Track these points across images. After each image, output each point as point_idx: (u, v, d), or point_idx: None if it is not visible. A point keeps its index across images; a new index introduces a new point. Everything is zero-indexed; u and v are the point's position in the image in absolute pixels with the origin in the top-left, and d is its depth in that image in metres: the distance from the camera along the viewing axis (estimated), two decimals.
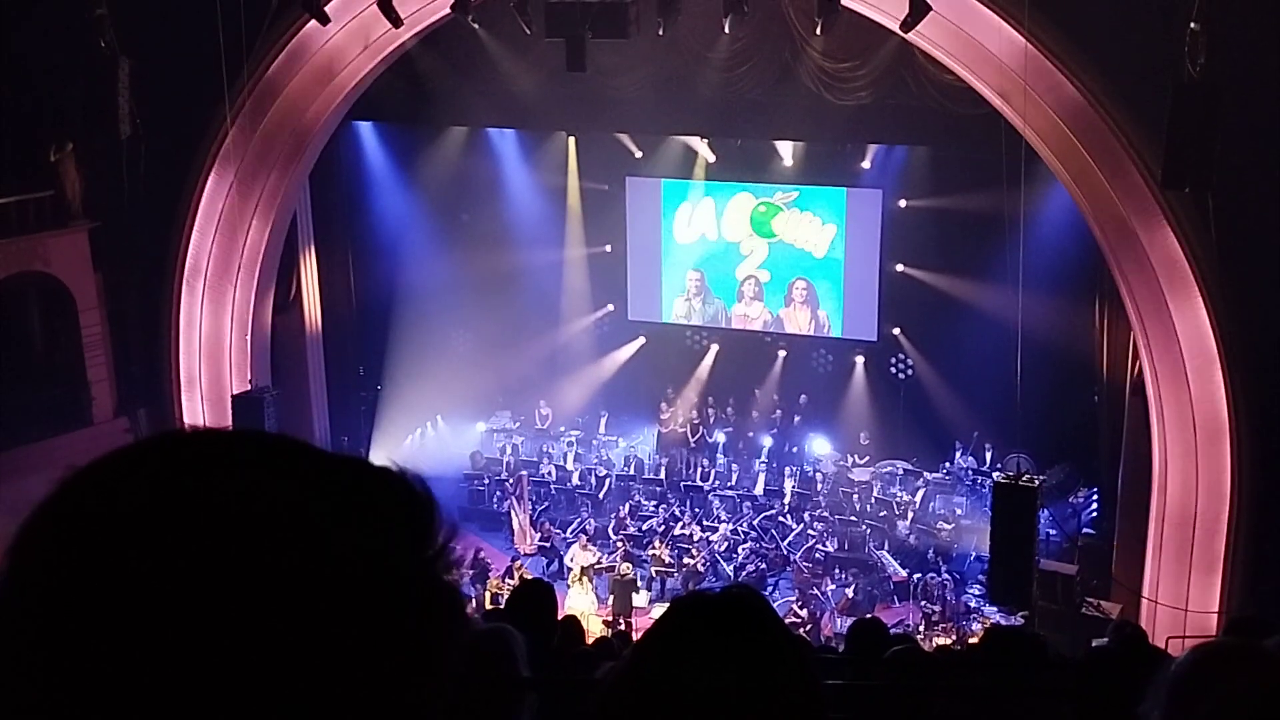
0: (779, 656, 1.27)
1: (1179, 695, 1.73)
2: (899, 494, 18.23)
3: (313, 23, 15.34)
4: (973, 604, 16.04)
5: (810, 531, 17.54)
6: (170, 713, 0.68)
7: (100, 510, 0.72)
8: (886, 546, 17.32)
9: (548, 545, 17.81)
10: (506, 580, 16.39)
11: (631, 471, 19.58)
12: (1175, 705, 1.73)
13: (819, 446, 19.74)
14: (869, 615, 12.55)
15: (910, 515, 17.76)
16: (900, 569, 16.76)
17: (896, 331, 19.78)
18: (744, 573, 16.83)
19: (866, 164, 19.24)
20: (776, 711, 1.24)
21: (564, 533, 18.05)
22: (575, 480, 19.30)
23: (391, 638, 0.74)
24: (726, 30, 15.26)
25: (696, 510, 18.45)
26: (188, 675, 0.68)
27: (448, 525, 0.80)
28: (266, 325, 18.04)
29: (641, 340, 21.34)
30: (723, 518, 18.19)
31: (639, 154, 20.20)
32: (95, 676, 0.68)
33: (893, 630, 10.74)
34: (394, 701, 0.74)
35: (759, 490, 18.77)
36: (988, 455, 18.30)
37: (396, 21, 15.12)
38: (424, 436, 20.86)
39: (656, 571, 17.00)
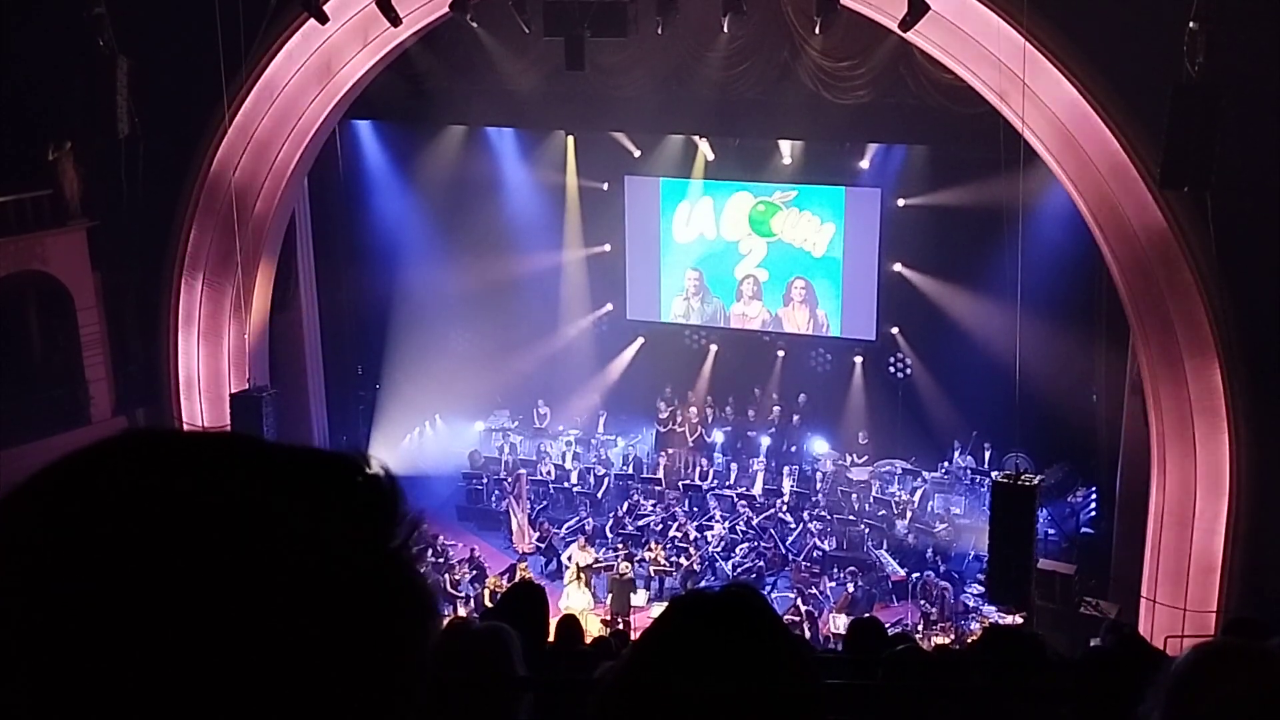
0: (778, 656, 1.27)
1: (1179, 696, 1.73)
2: (897, 493, 18.24)
3: (311, 21, 15.33)
4: (971, 603, 16.05)
5: (809, 530, 17.54)
6: (125, 708, 0.67)
7: (51, 513, 0.72)
8: (885, 546, 17.33)
9: (546, 544, 17.81)
10: (507, 580, 16.40)
11: (630, 471, 19.58)
12: (1175, 705, 1.73)
13: (817, 446, 19.75)
14: (867, 615, 12.57)
15: (909, 514, 17.77)
16: (899, 568, 16.78)
17: (895, 331, 19.78)
18: (742, 571, 16.84)
19: (865, 163, 19.25)
20: (776, 711, 1.24)
21: (562, 532, 18.05)
22: (574, 479, 19.30)
23: (354, 628, 0.73)
24: (725, 29, 15.26)
25: (695, 509, 18.45)
26: (139, 670, 0.67)
27: (412, 515, 0.79)
28: (265, 324, 18.03)
29: (640, 339, 21.33)
30: (720, 517, 18.19)
31: (638, 153, 20.20)
32: (44, 675, 0.68)
33: (891, 630, 10.75)
34: (359, 693, 0.73)
35: (757, 489, 18.76)
36: (986, 454, 18.29)
37: (395, 20, 15.12)
38: (422, 436, 20.86)
39: (655, 571, 17.00)
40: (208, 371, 17.73)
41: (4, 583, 0.70)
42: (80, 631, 0.68)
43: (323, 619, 0.71)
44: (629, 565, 16.37)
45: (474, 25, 15.73)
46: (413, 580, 0.78)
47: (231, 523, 0.71)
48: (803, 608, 15.45)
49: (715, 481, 19.19)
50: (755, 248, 20.24)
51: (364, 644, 0.73)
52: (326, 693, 0.71)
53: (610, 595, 16.05)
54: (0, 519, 0.73)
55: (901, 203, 19.08)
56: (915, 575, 16.42)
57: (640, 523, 18.02)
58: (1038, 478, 13.71)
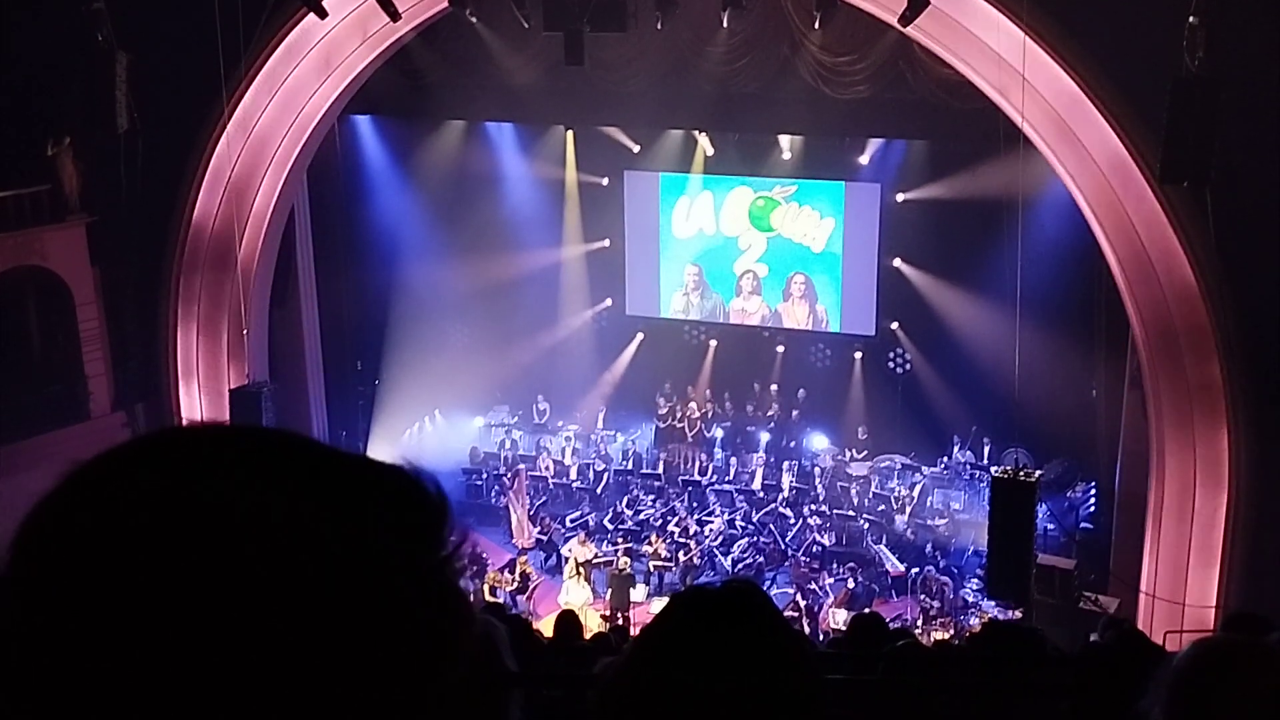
0: (779, 651, 1.27)
1: (1180, 691, 1.73)
2: (897, 488, 18.24)
3: (310, 16, 15.31)
4: (971, 599, 16.06)
5: (809, 525, 17.55)
6: (165, 714, 0.67)
7: (101, 509, 0.71)
8: (884, 541, 17.33)
9: (546, 540, 17.83)
10: (506, 573, 16.41)
11: (630, 466, 19.57)
12: (1176, 701, 1.73)
13: (817, 441, 19.75)
14: (867, 610, 12.57)
15: (908, 510, 17.77)
16: (898, 563, 16.78)
17: (895, 326, 19.77)
18: (741, 566, 16.84)
19: (865, 158, 19.23)
20: (777, 706, 1.24)
21: (562, 527, 18.06)
22: (573, 475, 19.30)
23: (400, 641, 0.72)
24: (725, 24, 15.25)
25: (694, 505, 18.45)
26: (186, 677, 0.67)
27: (459, 526, 0.79)
28: (264, 319, 18.02)
29: (640, 335, 21.33)
30: (719, 512, 18.19)
31: (637, 148, 20.17)
32: (94, 676, 0.67)
33: (891, 625, 10.75)
34: (400, 705, 0.72)
35: (757, 485, 18.77)
36: (985, 450, 18.29)
37: (394, 15, 15.09)
38: (422, 431, 20.86)
39: (654, 566, 17.01)
40: (207, 366, 17.72)
41: (48, 589, 0.69)
42: (111, 637, 0.67)
43: (362, 629, 0.70)
44: (628, 560, 16.38)
45: (473, 20, 15.72)
46: (455, 591, 0.77)
47: (271, 530, 0.70)
48: (802, 603, 15.46)
49: (715, 477, 19.19)
50: (755, 243, 20.23)
51: (402, 655, 0.72)
52: (360, 702, 0.71)
53: (610, 590, 16.06)
54: (41, 521, 0.72)
55: (901, 198, 19.07)
56: (915, 570, 16.43)
57: (640, 518, 18.03)
58: (1037, 473, 13.70)
